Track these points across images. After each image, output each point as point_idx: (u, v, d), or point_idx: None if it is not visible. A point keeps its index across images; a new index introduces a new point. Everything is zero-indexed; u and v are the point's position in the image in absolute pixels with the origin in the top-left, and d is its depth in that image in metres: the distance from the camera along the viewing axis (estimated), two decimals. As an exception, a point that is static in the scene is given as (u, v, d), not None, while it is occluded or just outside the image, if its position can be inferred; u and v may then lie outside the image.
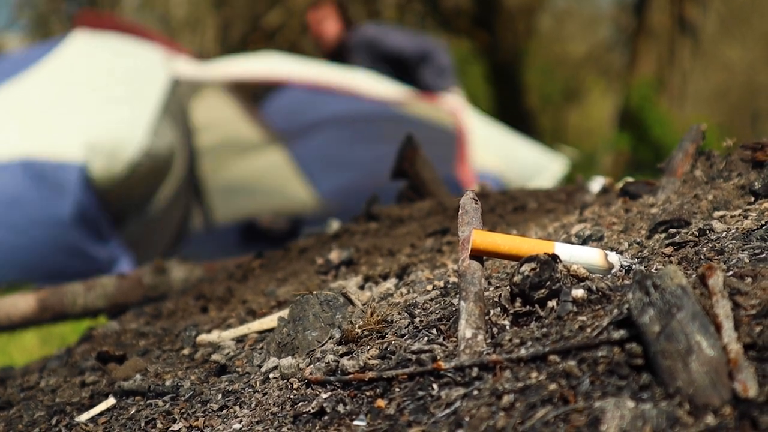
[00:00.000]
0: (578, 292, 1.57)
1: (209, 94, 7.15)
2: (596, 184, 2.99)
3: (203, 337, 2.22)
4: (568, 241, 2.11)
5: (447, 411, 1.41)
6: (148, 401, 1.90)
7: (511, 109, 15.64)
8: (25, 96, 6.16)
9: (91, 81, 6.32)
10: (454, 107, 7.15)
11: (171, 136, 6.21)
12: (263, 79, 7.53)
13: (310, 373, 1.70)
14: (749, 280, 1.46)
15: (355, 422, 1.50)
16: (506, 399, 1.37)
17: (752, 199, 2.03)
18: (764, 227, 1.75)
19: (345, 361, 1.66)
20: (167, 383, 1.95)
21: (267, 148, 7.50)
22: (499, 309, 1.65)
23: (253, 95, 7.97)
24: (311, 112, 7.56)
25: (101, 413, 1.93)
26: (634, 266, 1.72)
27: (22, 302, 3.29)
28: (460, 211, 1.80)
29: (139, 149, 5.82)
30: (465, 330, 1.55)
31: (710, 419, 1.20)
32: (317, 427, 1.54)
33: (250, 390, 1.79)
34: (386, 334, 1.76)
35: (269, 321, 2.17)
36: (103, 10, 13.10)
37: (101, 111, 6.04)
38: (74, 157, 5.65)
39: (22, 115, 5.99)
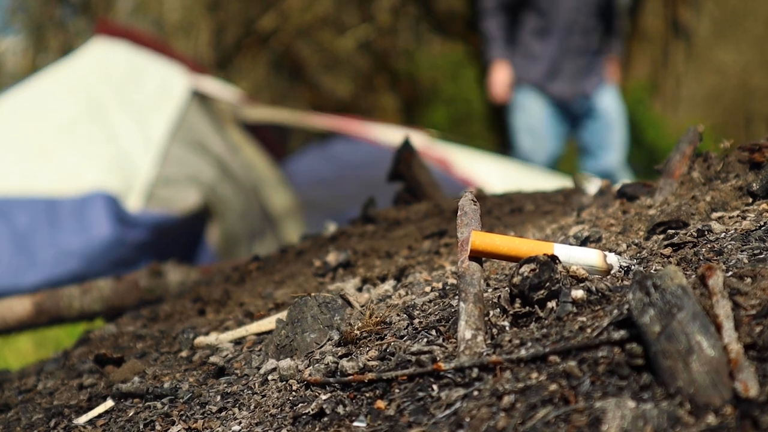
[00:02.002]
0: (578, 293, 1.58)
1: (229, 128, 7.13)
2: (593, 186, 2.99)
3: (201, 340, 2.21)
4: (566, 242, 2.11)
5: (447, 412, 1.41)
6: (147, 403, 1.90)
7: (505, 112, 15.62)
8: (35, 117, 6.20)
9: (104, 105, 6.34)
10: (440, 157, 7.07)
11: (193, 162, 6.22)
12: (289, 123, 7.61)
13: (309, 375, 1.70)
14: (749, 280, 1.46)
15: (355, 423, 1.50)
16: (507, 399, 1.37)
17: (750, 200, 2.03)
18: (763, 228, 1.75)
19: (344, 363, 1.66)
20: (165, 385, 1.95)
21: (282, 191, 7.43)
22: (498, 310, 1.65)
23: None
24: (331, 185, 7.60)
25: (99, 416, 1.93)
26: (633, 267, 1.72)
27: (18, 305, 3.28)
28: (458, 213, 1.80)
29: (152, 176, 5.87)
30: (465, 331, 1.55)
31: (711, 419, 1.21)
32: (317, 429, 1.53)
33: (249, 392, 1.79)
34: (385, 335, 1.76)
35: (267, 323, 2.17)
36: (96, 14, 13.08)
37: (115, 137, 6.09)
38: (91, 187, 5.72)
39: (34, 141, 6.04)
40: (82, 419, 1.93)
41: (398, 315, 1.85)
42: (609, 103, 7.83)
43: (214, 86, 7.06)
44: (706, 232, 1.83)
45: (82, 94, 6.36)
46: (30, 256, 5.47)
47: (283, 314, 2.06)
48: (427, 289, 2.02)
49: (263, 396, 1.74)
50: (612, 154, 7.84)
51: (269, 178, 7.11)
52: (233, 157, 6.71)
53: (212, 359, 2.08)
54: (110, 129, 6.15)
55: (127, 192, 5.84)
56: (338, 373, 1.67)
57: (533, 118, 7.72)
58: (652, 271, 1.68)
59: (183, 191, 6.03)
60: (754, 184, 2.02)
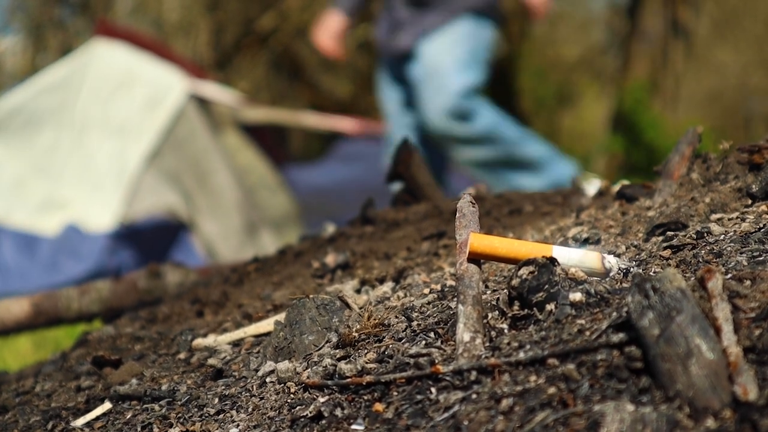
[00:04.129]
0: (576, 296, 1.57)
1: (229, 132, 7.13)
2: (592, 187, 2.99)
3: (199, 341, 2.21)
4: (565, 244, 2.10)
5: (446, 415, 1.41)
6: (145, 406, 1.89)
7: (505, 112, 15.62)
8: (17, 144, 6.29)
9: (89, 126, 6.40)
10: None
11: (175, 174, 6.30)
12: (287, 123, 7.60)
13: (308, 377, 1.70)
14: (748, 282, 1.46)
15: (353, 426, 1.49)
16: (505, 403, 1.37)
17: (749, 201, 2.02)
18: (762, 230, 1.75)
19: (342, 365, 1.66)
20: (163, 387, 1.94)
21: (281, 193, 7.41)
22: (497, 312, 1.64)
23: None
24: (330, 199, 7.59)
25: (97, 418, 1.92)
26: (632, 269, 1.71)
27: (16, 307, 3.27)
28: (457, 214, 1.80)
29: (127, 199, 5.98)
30: (463, 333, 1.54)
31: (710, 422, 1.20)
32: (315, 431, 1.53)
33: (247, 394, 1.78)
34: (384, 337, 1.76)
35: (265, 325, 2.17)
36: (96, 14, 13.08)
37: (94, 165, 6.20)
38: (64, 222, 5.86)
39: (12, 173, 6.16)
40: (80, 421, 1.92)
41: (397, 317, 1.84)
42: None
43: (212, 89, 7.07)
44: (705, 234, 1.83)
45: (68, 115, 6.40)
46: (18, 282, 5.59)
47: (281, 316, 2.05)
48: (426, 291, 2.02)
49: (261, 398, 1.74)
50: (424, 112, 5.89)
51: (269, 182, 7.11)
52: (229, 162, 6.73)
53: (210, 361, 2.07)
54: (90, 155, 6.23)
55: (101, 214, 5.94)
56: (336, 376, 1.66)
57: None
58: (651, 273, 1.68)
59: (156, 206, 6.13)
60: (754, 186, 2.01)
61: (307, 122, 7.85)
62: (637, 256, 1.85)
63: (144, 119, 6.43)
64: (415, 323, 1.76)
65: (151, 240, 6.11)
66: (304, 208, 7.25)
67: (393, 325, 1.81)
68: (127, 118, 6.46)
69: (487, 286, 1.89)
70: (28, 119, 6.34)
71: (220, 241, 6.38)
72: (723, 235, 1.80)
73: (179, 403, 1.86)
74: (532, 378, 1.41)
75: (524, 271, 1.61)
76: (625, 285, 1.64)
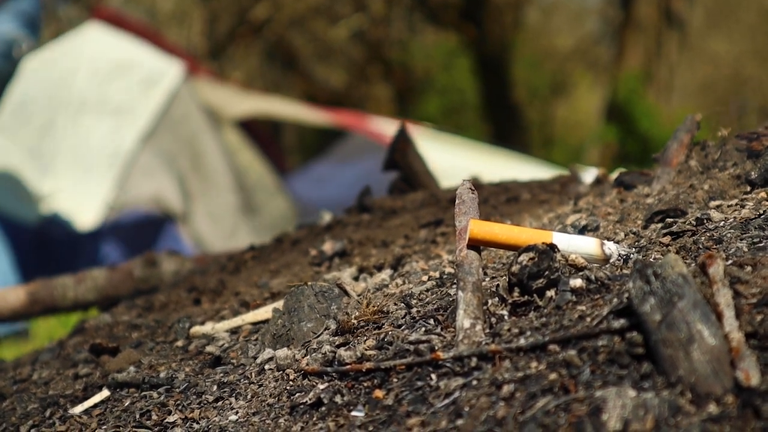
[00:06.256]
0: (577, 282, 1.57)
1: (228, 131, 7.10)
2: (589, 175, 2.98)
3: (197, 329, 2.20)
4: (563, 231, 2.10)
5: (446, 401, 1.40)
6: (143, 393, 1.89)
7: (499, 102, 15.63)
8: (14, 122, 6.30)
9: (84, 107, 6.39)
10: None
11: (164, 166, 6.31)
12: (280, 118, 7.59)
13: (307, 364, 1.69)
14: (749, 268, 1.45)
15: (353, 413, 1.49)
16: (506, 389, 1.37)
17: (748, 188, 2.02)
18: (762, 216, 1.74)
19: (342, 352, 1.65)
20: (162, 375, 1.94)
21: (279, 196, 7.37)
22: (497, 299, 1.64)
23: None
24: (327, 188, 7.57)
25: (95, 405, 1.92)
26: (632, 255, 1.71)
27: (12, 295, 3.26)
28: (456, 201, 1.79)
29: (115, 188, 6.00)
30: (463, 320, 1.54)
31: (712, 408, 1.20)
32: (315, 418, 1.53)
33: (246, 381, 1.78)
34: (383, 324, 1.75)
35: (263, 312, 2.16)
36: (89, 3, 13.04)
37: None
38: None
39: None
40: (78, 409, 1.92)
41: (396, 304, 1.84)
42: None
43: (208, 80, 7.06)
44: (705, 221, 1.82)
45: (64, 97, 6.38)
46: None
47: (279, 303, 2.05)
48: (425, 278, 2.01)
49: (260, 386, 1.74)
50: None
51: (267, 184, 7.11)
52: (224, 159, 6.73)
53: (208, 349, 2.07)
54: (85, 137, 6.22)
55: (90, 201, 5.96)
56: (336, 363, 1.66)
57: None
58: (651, 259, 1.67)
59: (145, 196, 6.15)
60: (753, 173, 2.01)
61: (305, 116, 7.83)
62: (637, 243, 1.85)
63: (139, 100, 6.42)
64: (414, 310, 1.76)
65: (136, 233, 6.11)
66: (302, 211, 7.24)
67: (392, 312, 1.80)
68: (123, 99, 6.45)
69: (485, 273, 1.89)
70: (22, 101, 6.33)
71: (210, 227, 6.39)
72: (723, 222, 1.80)
73: (178, 390, 1.85)
74: (533, 364, 1.40)
75: (524, 258, 1.60)
76: (625, 271, 1.64)
